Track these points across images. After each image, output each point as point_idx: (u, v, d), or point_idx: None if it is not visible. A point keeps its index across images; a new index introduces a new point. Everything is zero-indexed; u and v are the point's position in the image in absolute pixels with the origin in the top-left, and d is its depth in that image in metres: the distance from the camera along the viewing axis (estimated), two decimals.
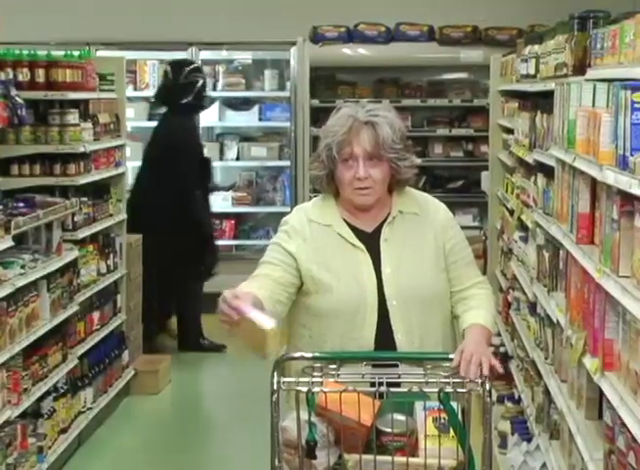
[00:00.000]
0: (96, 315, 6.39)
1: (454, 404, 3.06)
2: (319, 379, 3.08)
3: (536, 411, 4.79)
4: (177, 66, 8.14)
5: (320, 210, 3.46)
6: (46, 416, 5.38)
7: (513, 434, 5.33)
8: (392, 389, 3.07)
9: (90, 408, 6.14)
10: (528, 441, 5.02)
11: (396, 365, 3.20)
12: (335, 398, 3.01)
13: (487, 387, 3.08)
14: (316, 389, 3.04)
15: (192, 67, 8.18)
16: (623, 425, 2.92)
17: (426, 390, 3.06)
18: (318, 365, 3.17)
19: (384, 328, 3.32)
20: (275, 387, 3.11)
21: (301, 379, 3.07)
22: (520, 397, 5.49)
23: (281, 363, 3.21)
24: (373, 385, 3.07)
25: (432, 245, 3.42)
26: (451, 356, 3.17)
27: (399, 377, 3.13)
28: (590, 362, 3.39)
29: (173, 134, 7.91)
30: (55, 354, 5.50)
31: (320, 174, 3.40)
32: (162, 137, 7.97)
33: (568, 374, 4.08)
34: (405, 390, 3.07)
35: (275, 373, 3.14)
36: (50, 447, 5.42)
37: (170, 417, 6.85)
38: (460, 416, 3.07)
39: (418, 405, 3.10)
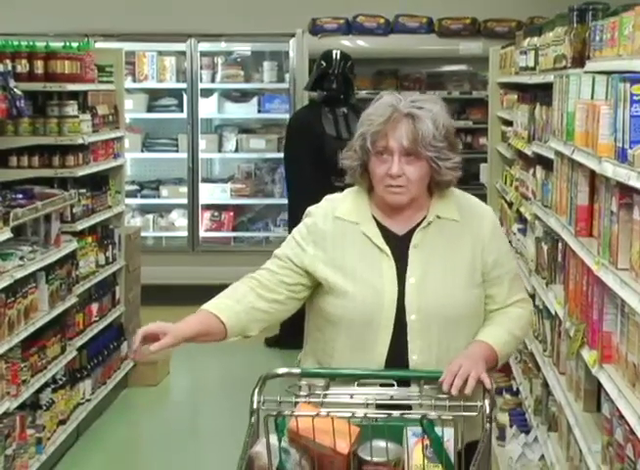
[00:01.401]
0: (95, 307, 6.39)
1: (439, 431, 2.70)
2: (303, 399, 2.82)
3: (535, 403, 4.79)
4: (326, 55, 7.94)
5: (351, 204, 3.12)
6: (45, 408, 5.38)
7: (511, 426, 5.33)
8: (374, 412, 2.78)
9: (89, 400, 6.14)
10: (527, 433, 5.03)
11: (393, 384, 2.92)
12: (309, 422, 2.69)
13: (487, 410, 2.77)
14: (286, 412, 2.74)
15: (338, 54, 7.91)
16: (621, 417, 2.92)
17: (409, 415, 2.76)
18: (304, 383, 2.92)
19: (398, 345, 2.99)
20: (255, 406, 2.82)
21: (284, 399, 2.80)
22: (518, 389, 5.49)
23: (266, 380, 2.93)
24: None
25: (467, 257, 3.06)
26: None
27: (391, 398, 2.84)
28: (588, 354, 3.40)
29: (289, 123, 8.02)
30: (54, 346, 5.49)
31: (353, 165, 3.08)
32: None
33: (566, 366, 4.08)
34: (396, 412, 2.76)
35: (256, 391, 2.87)
36: (49, 439, 5.42)
37: (169, 409, 6.86)
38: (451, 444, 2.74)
39: (408, 431, 2.74)
